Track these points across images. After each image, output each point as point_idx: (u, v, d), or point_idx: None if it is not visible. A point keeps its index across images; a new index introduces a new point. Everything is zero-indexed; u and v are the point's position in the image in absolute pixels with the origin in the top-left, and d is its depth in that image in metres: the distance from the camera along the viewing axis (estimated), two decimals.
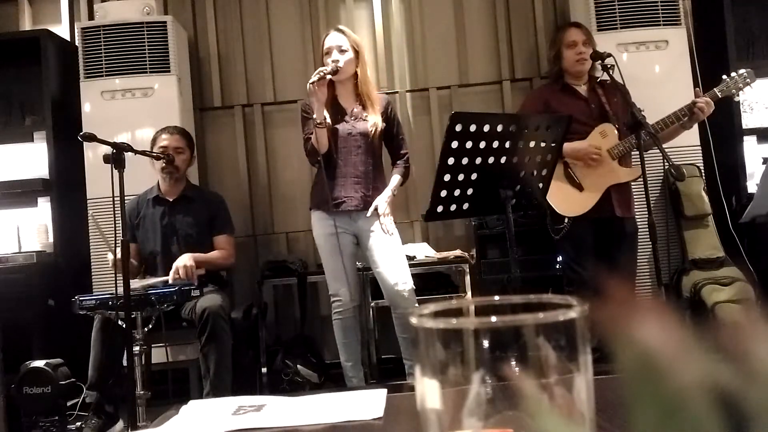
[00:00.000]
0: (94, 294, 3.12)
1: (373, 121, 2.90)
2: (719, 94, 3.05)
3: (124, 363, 2.66)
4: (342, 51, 2.86)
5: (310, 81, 2.72)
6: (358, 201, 2.89)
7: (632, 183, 3.16)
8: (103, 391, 2.97)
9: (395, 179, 2.99)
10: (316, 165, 2.94)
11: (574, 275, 3.08)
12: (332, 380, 3.58)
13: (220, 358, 2.95)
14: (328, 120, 2.84)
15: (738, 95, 3.11)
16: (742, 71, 3.08)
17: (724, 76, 3.10)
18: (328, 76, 2.77)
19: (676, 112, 3.02)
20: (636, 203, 3.23)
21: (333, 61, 2.81)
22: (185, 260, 3.05)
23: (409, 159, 3.07)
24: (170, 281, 2.99)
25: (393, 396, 0.94)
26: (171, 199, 3.31)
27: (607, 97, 3.16)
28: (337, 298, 2.95)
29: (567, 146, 2.86)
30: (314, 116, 2.79)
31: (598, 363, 0.35)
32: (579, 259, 3.07)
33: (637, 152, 3.10)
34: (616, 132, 3.09)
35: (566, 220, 3.01)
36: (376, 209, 2.88)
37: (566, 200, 3.04)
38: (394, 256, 2.91)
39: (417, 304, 2.90)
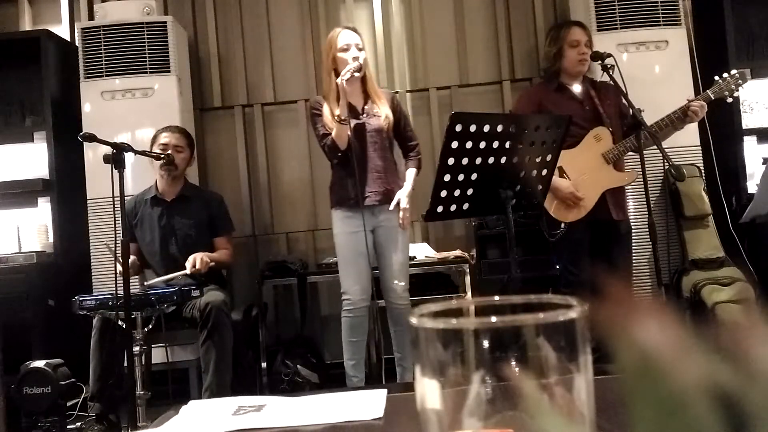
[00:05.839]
0: (94, 294, 3.13)
1: (385, 113, 2.96)
2: (712, 96, 3.06)
3: (125, 364, 2.66)
4: (360, 49, 2.92)
5: (343, 78, 2.78)
6: (381, 196, 2.94)
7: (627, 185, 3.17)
8: (106, 400, 2.96)
9: (411, 172, 3.04)
10: (335, 161, 2.98)
11: (572, 277, 3.07)
12: (332, 380, 3.58)
13: (220, 353, 2.95)
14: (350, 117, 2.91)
15: (731, 97, 3.10)
16: (734, 72, 3.08)
17: (716, 77, 3.10)
18: (356, 74, 2.84)
19: (669, 115, 3.02)
20: (636, 203, 3.22)
21: (353, 58, 2.87)
22: (201, 254, 3.10)
23: (420, 150, 3.11)
24: (188, 271, 3.04)
25: (393, 396, 0.94)
26: (169, 200, 3.30)
27: (600, 99, 3.15)
28: (347, 296, 2.96)
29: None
30: (337, 113, 2.84)
31: (598, 363, 0.35)
32: (575, 262, 3.06)
33: (631, 155, 3.12)
34: (610, 135, 3.08)
35: (562, 225, 3.01)
36: (398, 203, 2.92)
37: (562, 205, 3.03)
38: (399, 253, 2.98)
39: (408, 302, 2.99)
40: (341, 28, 2.98)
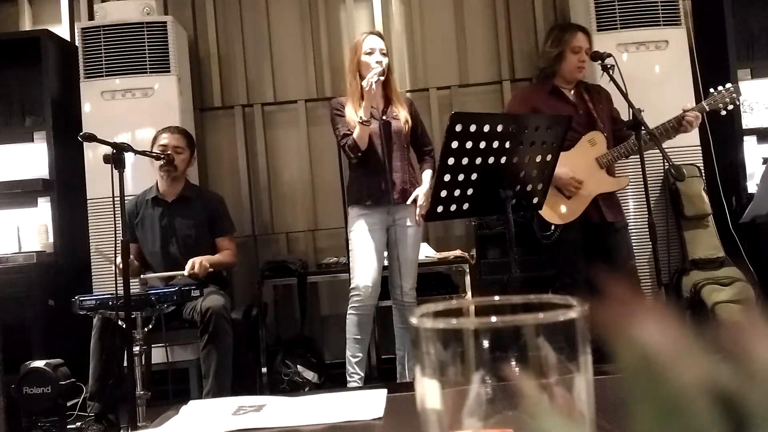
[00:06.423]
0: (94, 294, 3.13)
1: (404, 116, 3.05)
2: (707, 108, 3.07)
3: (125, 364, 2.66)
4: (383, 53, 3.00)
5: (370, 81, 2.84)
6: (399, 195, 3.00)
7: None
8: (105, 400, 2.96)
9: (428, 174, 3.11)
10: (355, 161, 3.02)
11: (568, 279, 3.07)
12: (332, 380, 3.58)
13: (221, 358, 2.95)
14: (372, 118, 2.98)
15: (724, 110, 3.10)
16: (728, 86, 3.09)
17: (711, 90, 3.11)
18: (381, 78, 2.92)
19: (664, 123, 3.01)
20: (636, 203, 3.21)
21: (377, 62, 2.95)
22: (202, 259, 3.08)
23: (434, 155, 3.13)
24: (186, 274, 3.03)
25: (393, 396, 0.94)
26: (170, 200, 3.30)
27: (593, 103, 3.15)
28: (356, 293, 2.98)
29: None
30: (360, 114, 2.89)
31: (598, 363, 0.35)
32: (571, 264, 3.06)
33: (625, 161, 3.13)
34: (605, 140, 3.07)
35: (553, 226, 3.01)
36: (415, 200, 2.98)
37: (553, 207, 3.01)
38: (411, 252, 3.05)
39: (415, 300, 3.05)
40: (367, 33, 3.08)
